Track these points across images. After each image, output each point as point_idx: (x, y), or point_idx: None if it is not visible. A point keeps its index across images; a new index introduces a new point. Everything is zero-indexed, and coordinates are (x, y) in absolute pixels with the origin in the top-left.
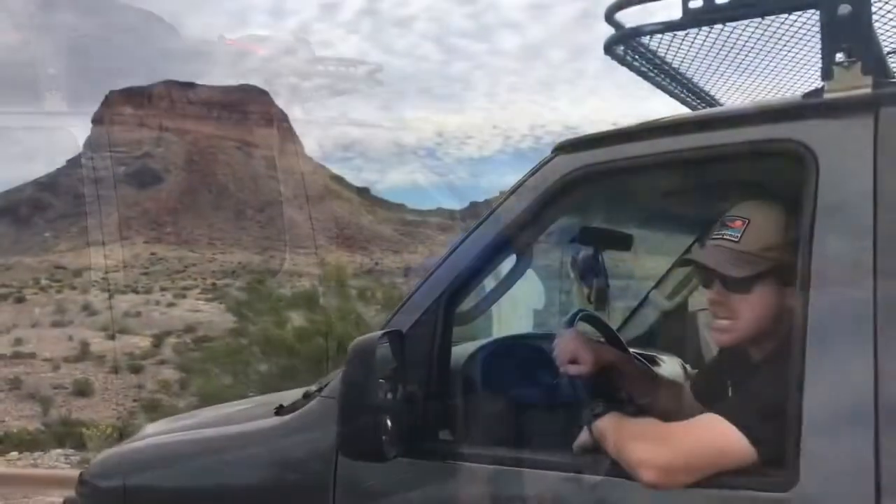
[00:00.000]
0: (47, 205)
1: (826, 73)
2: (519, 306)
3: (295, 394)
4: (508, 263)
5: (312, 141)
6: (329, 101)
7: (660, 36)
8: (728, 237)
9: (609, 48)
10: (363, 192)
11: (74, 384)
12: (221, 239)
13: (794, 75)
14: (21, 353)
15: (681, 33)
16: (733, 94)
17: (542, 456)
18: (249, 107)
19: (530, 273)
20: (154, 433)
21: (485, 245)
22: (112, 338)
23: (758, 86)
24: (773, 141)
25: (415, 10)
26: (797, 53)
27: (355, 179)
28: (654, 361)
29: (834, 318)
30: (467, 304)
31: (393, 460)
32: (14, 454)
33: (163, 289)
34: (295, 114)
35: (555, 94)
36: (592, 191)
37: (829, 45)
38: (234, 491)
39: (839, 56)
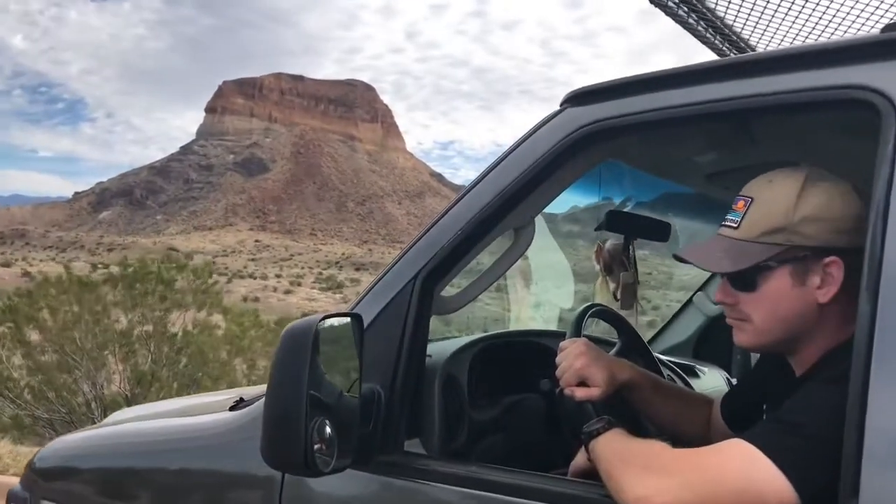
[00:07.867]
0: (159, 189)
1: None
2: (519, 295)
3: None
4: (505, 240)
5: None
6: (433, 100)
7: None
8: (728, 223)
9: None
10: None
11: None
12: (323, 230)
13: (868, 9)
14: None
15: None
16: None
17: (530, 481)
18: (355, 101)
19: (533, 253)
20: (116, 421)
21: (474, 216)
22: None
23: (822, 31)
24: (838, 88)
25: (521, 13)
26: None
27: (454, 177)
28: (691, 373)
29: None
30: (451, 289)
31: (338, 473)
32: None
33: (277, 276)
34: (399, 110)
35: None
36: (608, 150)
37: None
38: (176, 484)
39: None
